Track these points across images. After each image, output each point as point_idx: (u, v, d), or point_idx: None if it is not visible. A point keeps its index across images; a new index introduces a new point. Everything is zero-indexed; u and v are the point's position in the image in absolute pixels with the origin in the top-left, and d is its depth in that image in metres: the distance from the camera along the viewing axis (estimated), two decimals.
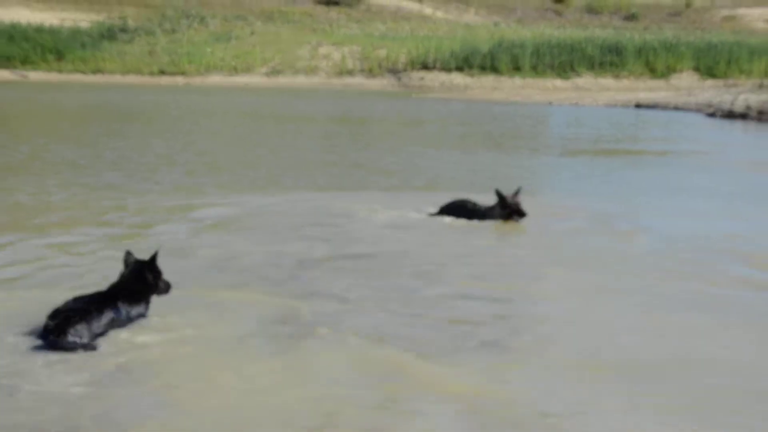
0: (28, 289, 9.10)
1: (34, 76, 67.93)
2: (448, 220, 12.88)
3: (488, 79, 69.57)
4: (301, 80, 72.49)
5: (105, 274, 9.02)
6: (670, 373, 6.77)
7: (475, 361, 6.75)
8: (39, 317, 7.20)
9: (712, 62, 69.40)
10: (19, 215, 14.52)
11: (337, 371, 6.60)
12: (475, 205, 12.71)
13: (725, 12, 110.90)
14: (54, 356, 6.58)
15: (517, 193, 12.20)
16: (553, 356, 7.04)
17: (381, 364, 6.85)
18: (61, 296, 7.73)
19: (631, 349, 7.36)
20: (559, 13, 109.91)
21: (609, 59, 73.77)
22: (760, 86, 42.77)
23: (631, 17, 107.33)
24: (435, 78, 70.89)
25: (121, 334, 7.30)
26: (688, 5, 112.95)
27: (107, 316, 6.96)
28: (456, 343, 7.35)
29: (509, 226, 12.40)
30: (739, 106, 36.75)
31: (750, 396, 6.43)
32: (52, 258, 10.50)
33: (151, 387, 6.25)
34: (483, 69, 72.51)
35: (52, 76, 68.38)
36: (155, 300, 7.93)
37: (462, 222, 12.72)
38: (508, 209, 12.22)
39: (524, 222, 12.54)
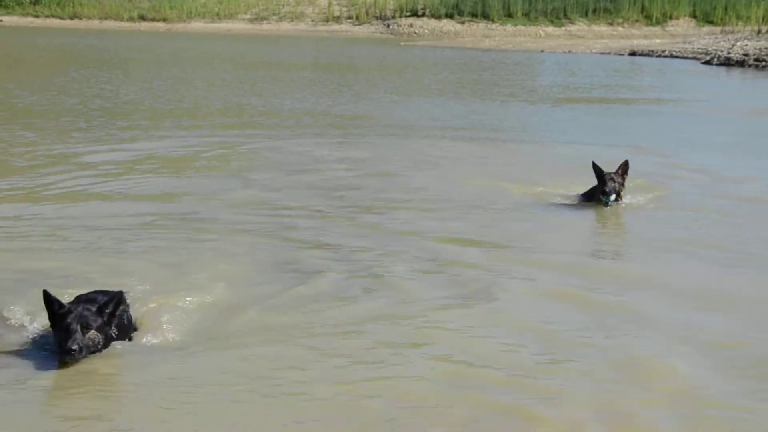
0: None
1: (9, 20, 67.77)
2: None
3: (479, 27, 69.32)
4: (285, 27, 72.32)
5: None
6: None
7: None
8: None
9: (709, 8, 69.18)
10: None
11: None
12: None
13: None
14: None
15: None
16: None
17: None
18: None
19: None
20: None
21: (603, 5, 73.27)
22: (758, 33, 42.43)
23: None
24: (424, 25, 70.62)
25: None
26: None
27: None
28: None
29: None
30: (736, 54, 36.58)
31: None
32: None
33: None
34: (474, 15, 72.01)
35: (28, 21, 68.45)
36: None
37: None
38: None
39: None
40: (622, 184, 9.55)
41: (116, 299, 6.39)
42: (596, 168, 9.60)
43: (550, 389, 6.03)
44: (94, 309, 6.30)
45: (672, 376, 6.44)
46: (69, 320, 6.01)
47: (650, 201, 10.80)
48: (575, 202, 10.46)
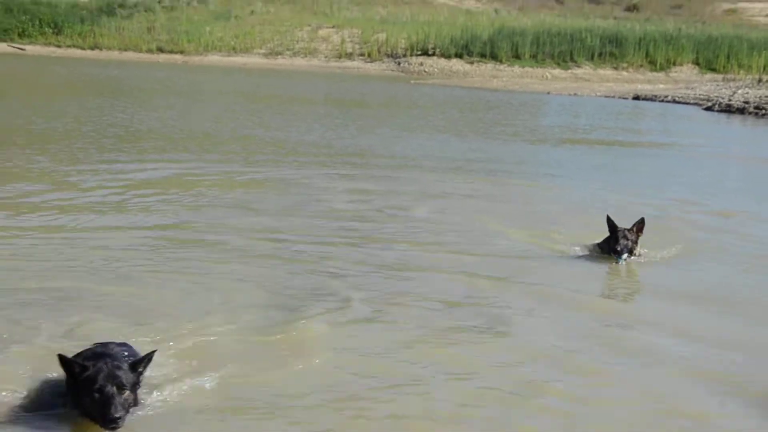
0: None
1: (32, 49, 67.52)
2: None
3: (487, 67, 69.39)
4: (299, 62, 72.42)
5: None
6: None
7: None
8: None
9: (711, 56, 69.25)
10: None
11: None
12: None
13: (727, 5, 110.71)
14: None
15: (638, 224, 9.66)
16: None
17: None
18: None
19: None
20: (560, 2, 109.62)
21: (609, 50, 73.41)
22: (759, 81, 42.60)
23: (632, 8, 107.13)
24: (434, 64, 70.71)
25: None
26: None
27: None
28: None
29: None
30: (737, 101, 36.69)
31: None
32: None
33: None
34: (482, 56, 72.22)
35: (50, 50, 68.16)
36: None
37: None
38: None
39: None
40: (636, 242, 9.22)
41: (149, 358, 5.74)
42: (610, 223, 9.28)
43: None
44: (124, 366, 5.59)
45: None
46: (101, 383, 5.24)
47: (665, 250, 10.39)
48: (590, 252, 10.09)
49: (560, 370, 7.30)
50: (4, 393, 6.07)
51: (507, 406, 6.52)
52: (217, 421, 5.98)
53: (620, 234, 8.89)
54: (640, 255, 9.41)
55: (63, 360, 5.35)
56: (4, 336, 7.51)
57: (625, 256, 8.85)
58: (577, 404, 6.72)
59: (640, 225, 9.20)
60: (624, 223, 9.45)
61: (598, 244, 9.98)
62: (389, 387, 6.84)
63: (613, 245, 9.00)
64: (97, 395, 5.18)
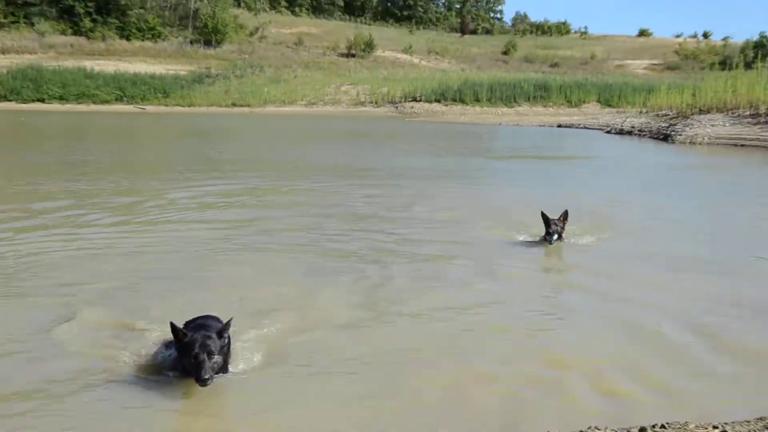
0: None
1: (150, 108, 68.45)
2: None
3: (457, 108, 69.95)
4: (328, 109, 73.66)
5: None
6: None
7: None
8: None
9: (608, 96, 70.87)
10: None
11: None
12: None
13: (617, 62, 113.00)
14: None
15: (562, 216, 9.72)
16: None
17: None
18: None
19: None
20: (505, 62, 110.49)
21: (539, 94, 74.03)
22: (640, 113, 42.81)
23: (554, 65, 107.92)
24: (421, 107, 71.36)
25: None
26: (592, 57, 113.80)
27: None
28: None
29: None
30: (627, 126, 37.08)
31: None
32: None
33: None
34: (454, 100, 72.91)
35: (161, 109, 69.07)
36: None
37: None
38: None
39: None
40: (563, 228, 9.37)
41: (228, 325, 5.53)
42: (543, 216, 9.42)
43: None
44: (213, 336, 5.46)
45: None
46: (196, 350, 5.19)
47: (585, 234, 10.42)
48: (533, 238, 10.03)
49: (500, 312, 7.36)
50: (126, 357, 5.95)
51: (456, 339, 6.50)
52: (296, 381, 5.67)
53: (552, 222, 9.16)
54: (565, 239, 9.55)
55: (173, 327, 5.37)
56: (128, 305, 7.39)
57: (555, 237, 9.12)
58: (499, 333, 6.78)
59: (564, 215, 9.42)
60: (554, 214, 9.44)
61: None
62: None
63: (547, 230, 9.21)
64: (192, 360, 5.16)
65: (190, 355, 5.19)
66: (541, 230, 9.61)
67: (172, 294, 7.80)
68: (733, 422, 4.63)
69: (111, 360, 5.90)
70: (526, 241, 10.10)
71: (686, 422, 4.56)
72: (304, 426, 4.99)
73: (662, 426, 4.60)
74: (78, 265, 8.95)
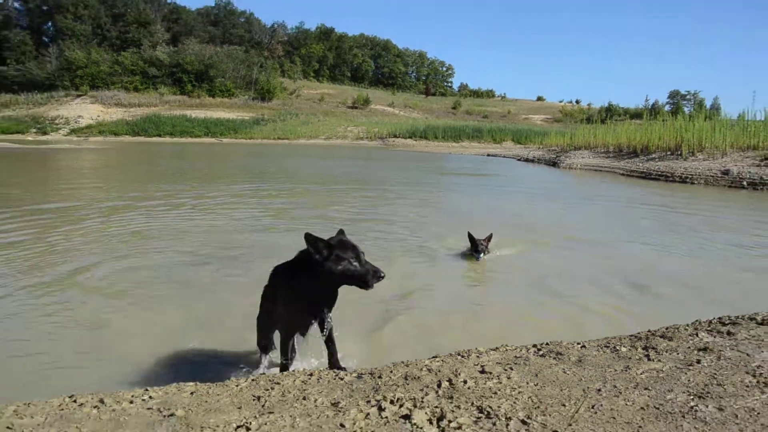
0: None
1: (225, 140, 67.94)
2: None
3: (423, 142, 69.66)
4: (339, 141, 73.00)
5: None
6: None
7: None
8: None
9: (520, 137, 69.45)
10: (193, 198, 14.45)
11: None
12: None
13: (524, 116, 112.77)
14: None
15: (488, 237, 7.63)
16: None
17: None
18: None
19: None
20: (454, 114, 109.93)
21: (475, 134, 73.28)
22: (539, 148, 42.68)
23: (485, 117, 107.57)
24: (399, 141, 70.99)
25: None
26: (509, 112, 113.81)
27: None
28: None
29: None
30: (531, 156, 36.77)
31: None
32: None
33: None
34: (421, 137, 72.49)
35: (233, 140, 68.31)
36: None
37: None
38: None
39: None
40: (487, 246, 7.37)
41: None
42: (470, 236, 7.42)
43: None
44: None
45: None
46: (357, 248, 3.26)
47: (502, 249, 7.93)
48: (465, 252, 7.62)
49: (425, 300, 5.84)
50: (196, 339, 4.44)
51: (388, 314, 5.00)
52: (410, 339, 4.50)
53: (478, 242, 7.25)
54: (490, 253, 7.49)
55: (309, 238, 3.18)
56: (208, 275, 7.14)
57: (481, 255, 7.24)
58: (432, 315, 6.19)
59: (489, 237, 7.47)
60: (481, 233, 7.46)
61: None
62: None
63: (474, 248, 7.29)
64: (354, 260, 3.18)
65: (348, 255, 3.19)
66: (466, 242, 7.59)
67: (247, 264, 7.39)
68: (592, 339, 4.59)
69: None
70: (454, 255, 7.72)
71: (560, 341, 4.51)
72: None
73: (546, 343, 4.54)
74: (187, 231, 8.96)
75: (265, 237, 8.49)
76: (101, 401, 2.46)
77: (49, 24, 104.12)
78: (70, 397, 2.53)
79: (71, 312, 4.98)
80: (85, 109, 79.16)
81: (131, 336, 4.48)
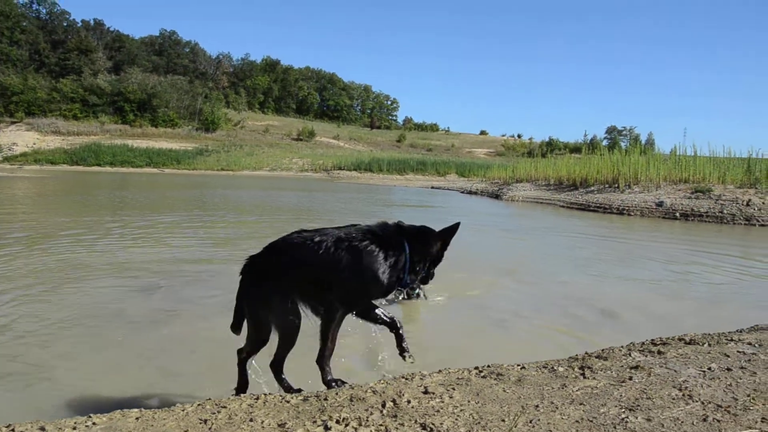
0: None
1: (168, 171, 67.66)
2: None
3: (368, 174, 70.09)
4: (284, 173, 73.12)
5: None
6: None
7: None
8: None
9: (463, 170, 70.04)
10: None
11: None
12: None
13: (467, 149, 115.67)
14: None
15: None
16: None
17: None
18: None
19: None
20: (398, 147, 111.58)
21: (420, 167, 74.07)
22: (482, 180, 43.60)
23: (429, 149, 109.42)
24: (344, 173, 71.30)
25: None
26: (452, 146, 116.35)
27: None
28: None
29: None
30: (474, 189, 37.43)
31: None
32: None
33: None
34: (366, 170, 72.94)
35: (175, 171, 68.28)
36: None
37: None
38: None
39: None
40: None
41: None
42: None
43: None
44: None
45: None
46: None
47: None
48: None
49: None
50: None
51: None
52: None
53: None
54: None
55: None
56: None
57: (417, 292, 6.44)
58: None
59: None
60: None
61: None
62: None
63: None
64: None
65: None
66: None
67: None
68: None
69: None
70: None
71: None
72: None
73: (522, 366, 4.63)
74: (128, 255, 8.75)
75: (204, 267, 8.41)
76: (42, 429, 2.43)
77: None
78: (7, 426, 2.49)
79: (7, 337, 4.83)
80: (20, 137, 76.95)
81: (69, 366, 4.38)
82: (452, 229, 3.31)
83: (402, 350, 3.23)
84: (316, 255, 2.98)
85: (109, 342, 4.93)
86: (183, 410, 2.68)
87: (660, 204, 19.71)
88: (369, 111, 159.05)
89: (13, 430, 2.43)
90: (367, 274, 2.94)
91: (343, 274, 2.93)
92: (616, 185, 24.05)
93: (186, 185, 37.72)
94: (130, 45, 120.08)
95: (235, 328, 3.26)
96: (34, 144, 75.67)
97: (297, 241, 3.15)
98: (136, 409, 2.73)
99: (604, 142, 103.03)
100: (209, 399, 2.95)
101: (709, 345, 3.69)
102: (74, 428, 2.44)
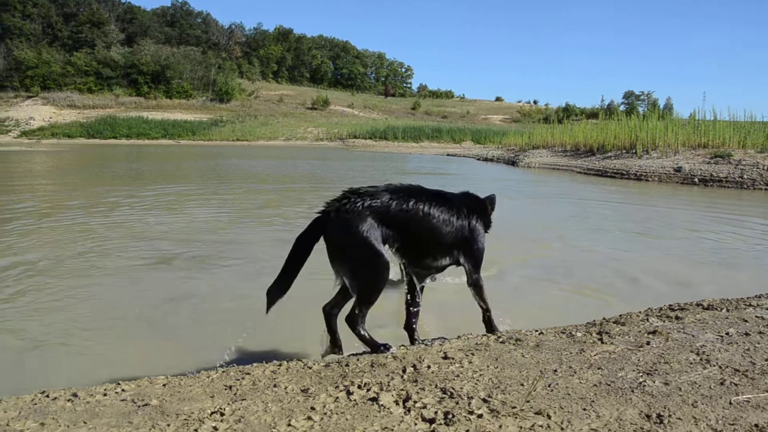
0: None
1: (183, 142, 67.49)
2: None
3: (383, 142, 69.63)
4: (299, 143, 72.55)
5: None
6: None
7: None
8: None
9: (479, 136, 69.50)
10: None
11: None
12: None
13: (483, 116, 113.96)
14: None
15: None
16: None
17: None
18: None
19: None
20: (413, 114, 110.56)
21: (435, 135, 73.28)
22: (498, 147, 43.25)
23: (444, 117, 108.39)
24: (359, 141, 70.89)
25: None
26: (468, 113, 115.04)
27: None
28: None
29: None
30: (490, 156, 37.12)
31: None
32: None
33: None
34: (381, 138, 72.41)
35: (191, 142, 67.82)
36: None
37: None
38: None
39: None
40: None
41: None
42: None
43: None
44: None
45: None
46: None
47: None
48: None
49: None
50: None
51: None
52: None
53: None
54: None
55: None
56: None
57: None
58: None
59: None
60: None
61: None
62: None
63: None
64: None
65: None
66: None
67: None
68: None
69: None
70: None
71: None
72: None
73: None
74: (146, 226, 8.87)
75: (222, 236, 8.48)
76: (74, 395, 2.52)
77: None
78: (41, 392, 2.59)
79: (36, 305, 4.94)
80: (36, 111, 77.40)
81: (90, 336, 4.48)
82: (494, 199, 3.54)
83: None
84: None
85: (130, 312, 5.02)
86: (208, 377, 2.75)
87: (678, 169, 19.52)
88: (383, 79, 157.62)
89: (47, 395, 2.51)
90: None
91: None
92: (634, 151, 23.79)
93: (202, 156, 37.88)
94: (142, 16, 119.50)
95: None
96: (51, 118, 76.09)
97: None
98: (162, 376, 2.80)
99: (622, 108, 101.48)
100: (233, 365, 3.03)
101: (727, 310, 3.70)
102: (105, 394, 2.52)
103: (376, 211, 2.89)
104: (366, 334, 3.04)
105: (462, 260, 3.23)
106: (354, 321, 2.99)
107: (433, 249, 3.11)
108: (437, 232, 3.06)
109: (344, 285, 3.04)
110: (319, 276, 3.43)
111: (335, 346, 3.22)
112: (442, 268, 3.32)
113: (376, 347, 3.02)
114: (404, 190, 3.10)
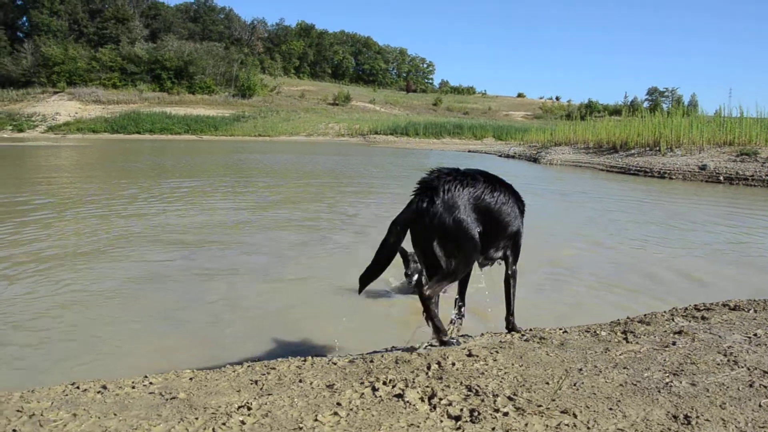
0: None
1: (206, 137, 67.87)
2: None
3: (404, 138, 69.46)
4: (320, 138, 72.68)
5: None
6: None
7: None
8: None
9: (500, 133, 68.85)
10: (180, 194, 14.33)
11: None
12: None
13: (504, 112, 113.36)
14: None
15: None
16: None
17: None
18: None
19: None
20: (435, 110, 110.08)
21: (456, 131, 73.00)
22: (520, 144, 42.94)
23: (466, 113, 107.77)
24: (380, 138, 70.62)
25: None
26: (489, 109, 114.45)
27: None
28: None
29: None
30: (511, 152, 36.96)
31: None
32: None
33: None
34: (402, 134, 72.22)
35: (212, 137, 68.16)
36: None
37: None
38: None
39: None
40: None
41: None
42: (402, 252, 5.04)
43: None
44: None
45: None
46: None
47: None
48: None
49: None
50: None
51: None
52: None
53: (411, 258, 4.99)
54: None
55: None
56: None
57: (416, 277, 4.94)
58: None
59: None
60: None
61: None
62: None
63: (406, 269, 5.03)
64: None
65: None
66: None
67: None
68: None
69: None
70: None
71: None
72: None
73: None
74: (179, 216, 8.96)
75: (245, 231, 8.53)
76: (104, 387, 2.56)
77: (24, 19, 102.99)
78: (72, 384, 2.63)
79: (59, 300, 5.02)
80: (62, 106, 78.40)
81: (114, 330, 4.53)
82: None
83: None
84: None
85: (153, 306, 5.08)
86: (234, 371, 2.77)
87: (703, 167, 19.25)
88: (405, 75, 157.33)
89: (78, 387, 2.55)
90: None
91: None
92: (657, 148, 23.51)
93: (224, 151, 38.13)
94: (166, 12, 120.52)
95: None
96: (76, 113, 77.06)
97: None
98: (188, 370, 2.83)
99: (645, 104, 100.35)
100: (259, 360, 3.05)
101: (755, 311, 3.65)
102: (133, 387, 2.56)
103: (474, 196, 2.91)
104: (437, 312, 3.03)
105: (508, 252, 3.21)
106: (430, 296, 2.91)
107: (500, 239, 3.08)
108: (506, 222, 3.05)
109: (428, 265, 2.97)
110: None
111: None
112: (493, 262, 3.24)
113: (438, 331, 3.00)
114: (491, 178, 3.10)
